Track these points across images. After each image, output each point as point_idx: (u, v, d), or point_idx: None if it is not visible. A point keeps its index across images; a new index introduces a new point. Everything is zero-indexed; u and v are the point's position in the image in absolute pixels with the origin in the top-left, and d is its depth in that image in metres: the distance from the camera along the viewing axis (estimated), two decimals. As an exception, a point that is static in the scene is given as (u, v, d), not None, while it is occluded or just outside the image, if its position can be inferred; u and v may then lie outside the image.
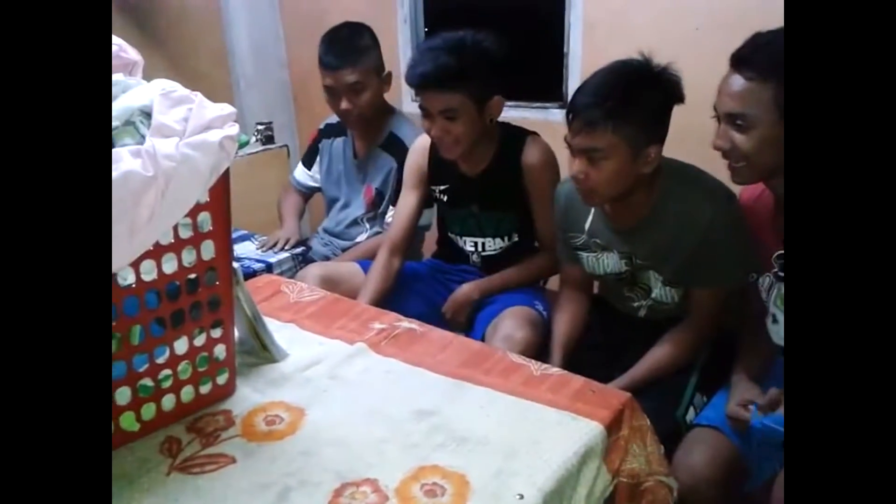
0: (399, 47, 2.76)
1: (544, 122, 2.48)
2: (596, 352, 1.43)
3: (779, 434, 1.06)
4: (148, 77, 0.93)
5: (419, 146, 1.63)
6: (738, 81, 1.08)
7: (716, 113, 1.13)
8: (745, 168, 1.12)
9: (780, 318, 1.22)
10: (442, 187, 1.64)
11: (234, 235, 1.98)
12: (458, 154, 1.50)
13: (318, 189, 2.10)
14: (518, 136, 1.54)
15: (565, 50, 2.44)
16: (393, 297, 1.60)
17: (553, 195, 1.46)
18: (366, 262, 1.74)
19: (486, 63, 1.42)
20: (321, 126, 2.07)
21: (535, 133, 1.56)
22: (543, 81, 2.56)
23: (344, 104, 1.78)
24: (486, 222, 1.61)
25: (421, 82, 1.42)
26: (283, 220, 2.08)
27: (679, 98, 1.22)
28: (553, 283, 1.66)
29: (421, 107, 1.46)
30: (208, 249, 0.89)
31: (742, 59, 1.08)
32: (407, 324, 1.21)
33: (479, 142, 1.50)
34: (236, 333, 1.04)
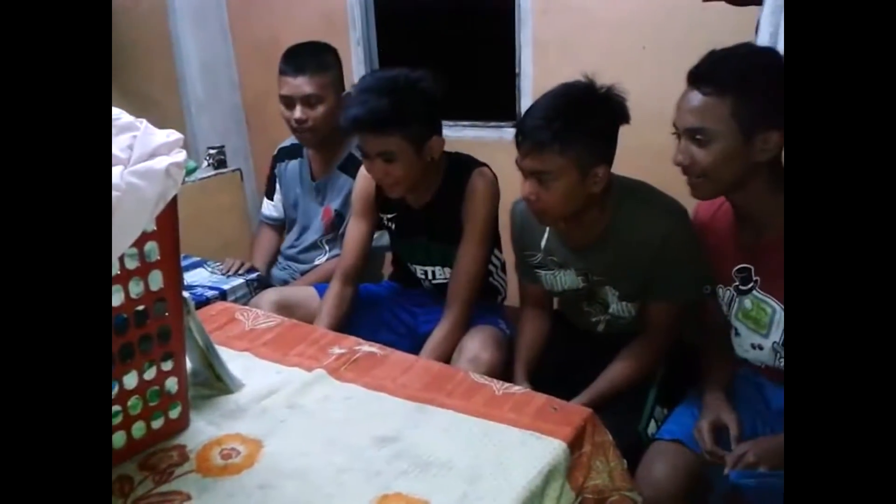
0: (353, 69, 2.76)
1: (499, 140, 2.51)
2: (557, 368, 1.44)
3: (753, 486, 1.07)
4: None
5: (366, 174, 1.60)
6: (696, 97, 1.10)
7: (675, 129, 1.15)
8: (706, 182, 1.14)
9: (742, 331, 1.24)
10: (390, 216, 1.63)
11: (185, 262, 1.95)
12: (400, 193, 1.49)
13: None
14: (465, 167, 1.51)
15: (517, 70, 2.48)
16: (352, 323, 1.58)
17: (486, 232, 1.47)
18: (323, 285, 1.72)
19: (422, 104, 1.39)
20: (275, 152, 2.05)
21: (484, 165, 1.53)
22: (498, 101, 2.60)
23: (298, 113, 1.76)
24: (435, 252, 1.60)
25: (355, 126, 1.39)
26: (253, 258, 2.03)
27: (624, 118, 1.25)
28: (512, 300, 1.67)
29: (358, 148, 1.45)
30: (156, 279, 0.86)
31: (699, 76, 1.10)
32: (367, 347, 1.20)
33: (424, 176, 1.48)
34: (189, 365, 1.00)
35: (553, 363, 1.46)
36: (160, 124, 0.83)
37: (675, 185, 1.22)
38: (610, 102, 1.23)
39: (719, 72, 1.08)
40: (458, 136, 2.66)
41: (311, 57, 1.78)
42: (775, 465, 1.06)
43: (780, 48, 1.38)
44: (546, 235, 1.39)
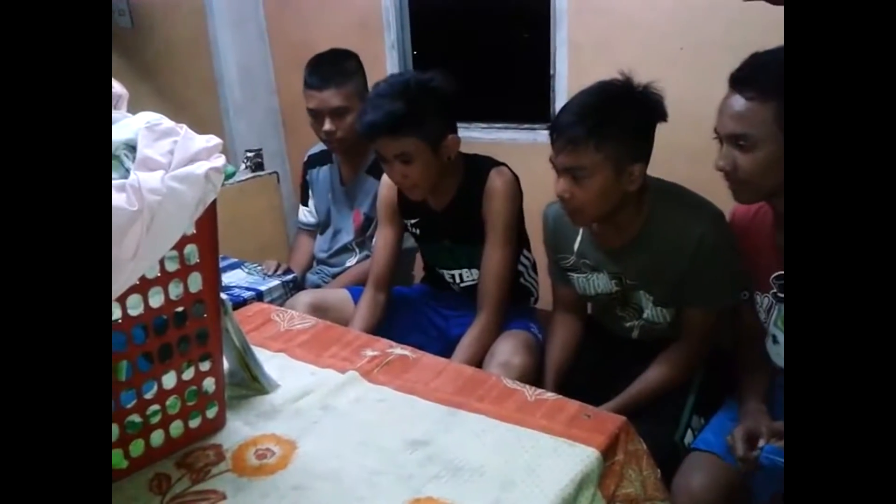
0: (387, 72, 2.78)
1: (532, 142, 2.49)
2: (590, 374, 1.42)
3: (781, 465, 1.05)
4: (135, 107, 0.92)
5: (388, 181, 1.60)
6: (738, 102, 1.07)
7: (717, 134, 1.13)
8: (748, 188, 1.11)
9: (781, 338, 1.21)
10: (413, 221, 1.63)
11: (223, 264, 1.98)
12: (420, 195, 1.50)
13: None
14: (483, 167, 1.51)
15: (551, 72, 2.46)
16: (386, 326, 1.59)
17: (509, 232, 1.46)
18: (356, 288, 1.73)
19: (435, 104, 1.40)
20: (305, 159, 2.08)
21: (502, 164, 1.53)
22: (531, 103, 2.58)
23: (327, 125, 1.79)
24: (460, 254, 1.60)
25: (371, 131, 1.40)
26: (291, 265, 2.06)
27: (662, 116, 1.23)
28: (545, 303, 1.65)
29: (377, 152, 1.46)
30: (195, 282, 0.88)
31: (742, 80, 1.08)
32: (400, 350, 1.20)
33: (442, 177, 1.49)
34: (226, 365, 1.02)
35: (586, 369, 1.45)
36: (198, 127, 0.85)
37: (712, 188, 1.20)
38: (647, 100, 1.22)
39: (762, 76, 1.05)
40: (493, 138, 2.65)
41: (334, 67, 1.80)
42: None
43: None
44: (580, 238, 1.38)
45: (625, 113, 1.20)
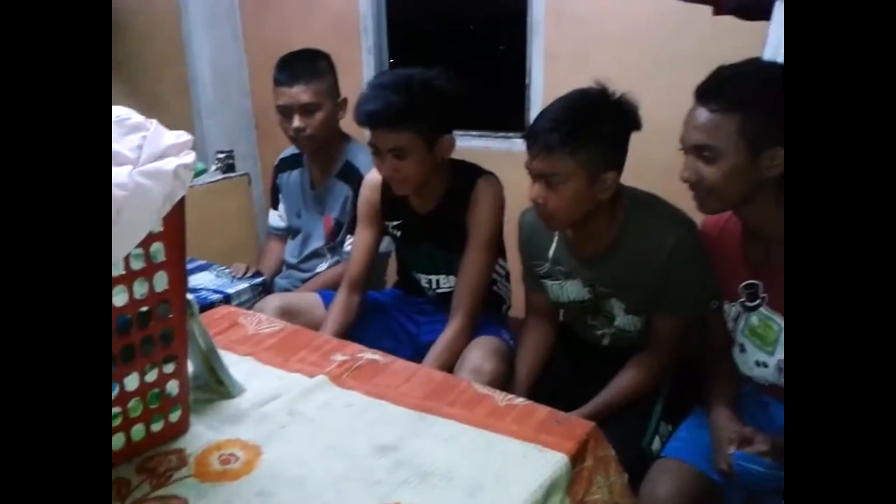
0: (363, 77, 2.77)
1: (507, 151, 2.51)
2: (561, 381, 1.43)
3: (755, 473, 1.06)
4: (105, 105, 0.90)
5: (371, 181, 1.60)
6: (703, 114, 1.09)
7: (682, 146, 1.15)
8: (713, 198, 1.13)
9: (748, 347, 1.23)
10: (395, 223, 1.62)
11: (190, 266, 1.95)
12: (409, 191, 1.49)
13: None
14: (472, 174, 1.51)
15: (527, 81, 2.48)
16: (356, 331, 1.57)
17: (491, 241, 1.46)
18: (327, 292, 1.71)
19: (435, 101, 1.40)
20: (276, 163, 2.06)
21: (489, 173, 1.53)
22: (507, 112, 2.60)
23: (297, 122, 1.76)
24: (440, 259, 1.59)
25: (369, 121, 1.39)
26: (261, 269, 2.03)
27: (636, 125, 1.24)
28: (518, 311, 1.66)
29: (370, 144, 1.45)
30: (161, 281, 0.86)
31: (707, 92, 1.10)
32: (370, 354, 1.19)
33: (430, 179, 1.48)
34: (190, 368, 1.00)
35: (557, 375, 1.45)
36: (170, 127, 0.83)
37: (684, 199, 1.21)
38: (622, 108, 1.23)
39: (726, 89, 1.08)
40: (467, 146, 2.65)
41: (306, 65, 1.78)
42: (782, 461, 1.05)
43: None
44: (554, 245, 1.38)
45: (600, 121, 1.21)
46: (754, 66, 1.12)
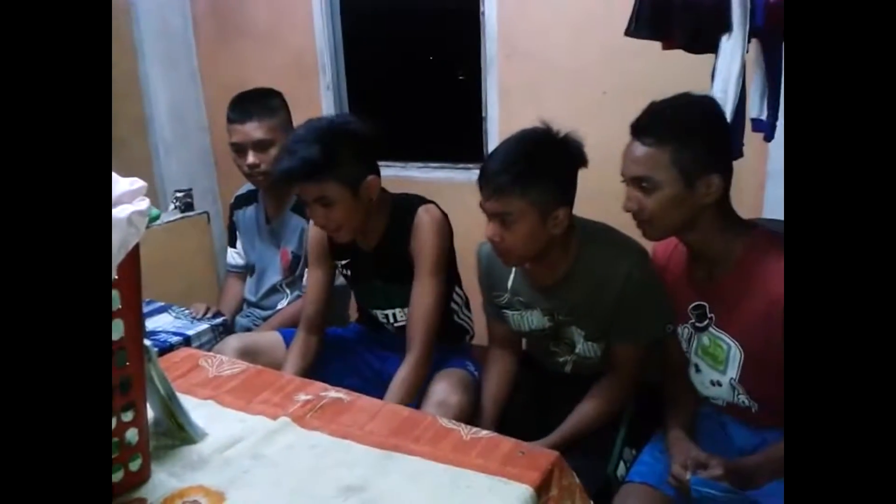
0: (323, 114, 2.79)
1: (468, 181, 2.51)
2: (525, 409, 1.44)
3: (712, 497, 1.08)
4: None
5: None
6: (639, 148, 1.15)
7: (623, 178, 1.19)
8: (654, 226, 1.19)
9: (703, 367, 1.26)
10: (343, 262, 1.63)
11: (149, 308, 1.92)
12: (345, 237, 1.50)
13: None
14: (412, 206, 1.51)
15: (483, 114, 2.53)
16: (319, 367, 1.56)
17: (436, 267, 1.47)
18: (288, 330, 1.70)
19: (351, 147, 1.42)
20: (231, 201, 2.06)
21: (430, 202, 1.54)
22: (466, 143, 2.65)
23: (251, 158, 1.78)
24: (392, 294, 1.59)
25: (287, 178, 1.41)
26: (220, 308, 2.00)
27: (582, 162, 1.28)
28: (481, 339, 1.66)
29: (297, 195, 1.46)
30: (117, 329, 0.85)
31: (641, 128, 1.16)
32: (334, 393, 1.18)
33: (370, 218, 1.49)
34: (150, 414, 0.98)
35: (522, 404, 1.46)
36: (127, 166, 0.84)
37: (636, 228, 1.25)
38: (567, 147, 1.27)
39: (658, 123, 1.14)
40: (429, 177, 2.69)
41: (258, 103, 1.80)
42: (737, 485, 1.08)
43: (733, 94, 1.44)
44: (512, 276, 1.41)
45: (547, 160, 1.25)
46: (685, 100, 1.18)
